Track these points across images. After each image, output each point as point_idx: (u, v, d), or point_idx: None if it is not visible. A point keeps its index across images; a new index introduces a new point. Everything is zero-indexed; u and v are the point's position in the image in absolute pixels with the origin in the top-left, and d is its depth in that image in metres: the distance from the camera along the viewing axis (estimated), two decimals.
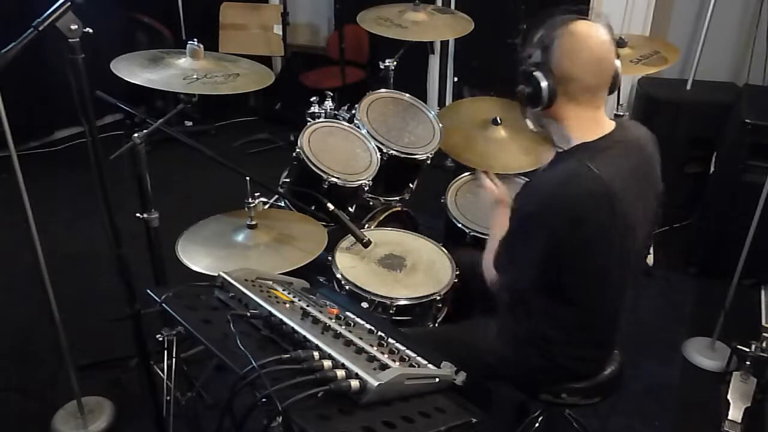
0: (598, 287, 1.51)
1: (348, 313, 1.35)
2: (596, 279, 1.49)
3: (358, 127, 2.42)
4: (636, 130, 1.57)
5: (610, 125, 1.50)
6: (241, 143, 4.36)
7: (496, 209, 1.85)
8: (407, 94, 2.63)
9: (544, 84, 1.42)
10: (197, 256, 1.82)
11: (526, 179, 2.46)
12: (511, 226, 1.54)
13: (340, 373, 1.00)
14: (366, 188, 2.29)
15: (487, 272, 1.67)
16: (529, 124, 1.58)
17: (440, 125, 2.54)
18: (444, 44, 4.23)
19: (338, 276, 1.95)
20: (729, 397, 2.26)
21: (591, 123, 1.48)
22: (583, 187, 1.38)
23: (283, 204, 2.32)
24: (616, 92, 2.74)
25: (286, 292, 1.40)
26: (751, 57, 3.34)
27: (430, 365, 1.19)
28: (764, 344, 2.27)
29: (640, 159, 1.52)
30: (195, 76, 1.83)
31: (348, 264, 2.02)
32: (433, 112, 2.60)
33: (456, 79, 4.32)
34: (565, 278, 1.48)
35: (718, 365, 2.50)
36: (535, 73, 1.43)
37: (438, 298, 1.93)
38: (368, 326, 1.31)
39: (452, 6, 4.01)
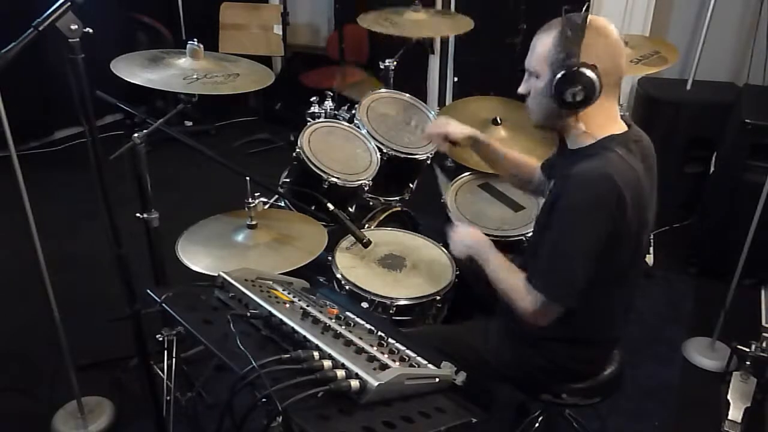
0: (618, 282, 1.52)
1: (348, 313, 1.35)
2: (620, 273, 1.50)
3: (358, 127, 2.42)
4: (645, 134, 1.58)
5: (624, 125, 1.52)
6: (241, 143, 4.36)
7: (481, 247, 1.70)
8: (407, 94, 2.63)
9: (596, 81, 1.39)
10: (197, 256, 1.83)
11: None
12: (560, 226, 1.45)
13: (340, 373, 1.00)
14: (366, 188, 2.29)
15: (522, 305, 1.52)
16: (557, 122, 1.52)
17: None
18: (444, 44, 4.23)
19: (338, 276, 1.95)
20: (729, 397, 2.25)
21: (613, 116, 1.50)
22: (626, 178, 1.40)
23: (283, 204, 2.32)
24: None
25: (286, 292, 1.40)
26: (751, 57, 3.34)
27: (430, 365, 1.19)
28: (764, 344, 2.27)
29: (650, 157, 1.54)
30: (195, 76, 1.83)
31: (348, 264, 2.02)
32: (433, 112, 2.60)
33: (456, 79, 4.32)
34: (598, 270, 1.45)
35: (718, 365, 2.50)
36: (583, 71, 1.39)
37: (438, 298, 1.93)
38: (368, 326, 1.31)
39: (452, 7, 4.02)
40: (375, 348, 1.15)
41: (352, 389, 0.98)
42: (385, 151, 2.37)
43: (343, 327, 1.23)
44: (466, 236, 1.74)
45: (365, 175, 2.28)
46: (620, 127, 1.50)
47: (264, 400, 0.95)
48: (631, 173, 1.42)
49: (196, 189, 3.73)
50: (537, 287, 1.48)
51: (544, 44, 1.45)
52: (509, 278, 1.57)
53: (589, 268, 1.43)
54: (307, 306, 1.32)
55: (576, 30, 1.41)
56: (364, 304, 1.89)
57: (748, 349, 2.29)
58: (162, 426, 1.95)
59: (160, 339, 1.94)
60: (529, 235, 2.18)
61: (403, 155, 2.39)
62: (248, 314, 1.20)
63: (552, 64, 1.43)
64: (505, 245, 2.21)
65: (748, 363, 2.31)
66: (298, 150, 2.23)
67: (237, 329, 1.11)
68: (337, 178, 2.21)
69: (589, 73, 1.39)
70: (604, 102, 1.45)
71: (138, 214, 1.86)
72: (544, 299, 1.47)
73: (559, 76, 1.41)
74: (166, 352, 1.94)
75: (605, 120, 1.49)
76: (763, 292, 2.59)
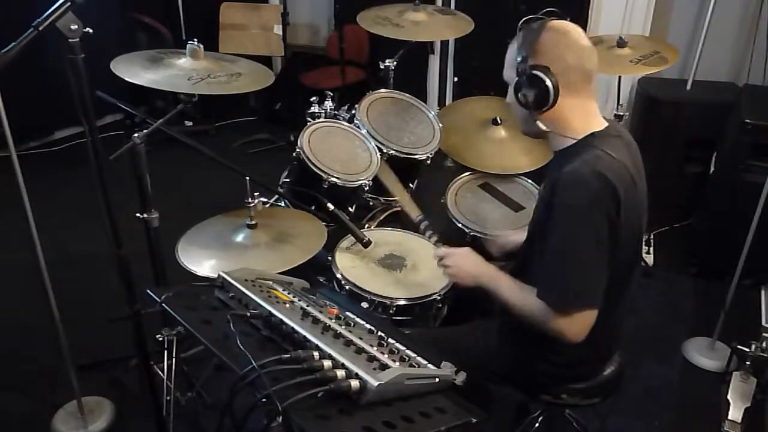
0: (615, 280, 1.50)
1: (348, 313, 1.35)
2: (617, 270, 1.47)
3: (358, 127, 2.42)
4: (626, 132, 1.58)
5: (604, 121, 1.53)
6: (241, 143, 4.36)
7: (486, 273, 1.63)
8: (407, 94, 2.63)
9: (548, 81, 1.41)
10: (197, 258, 1.83)
11: (528, 180, 2.46)
12: (559, 230, 1.41)
13: (340, 373, 1.00)
14: (366, 188, 2.29)
15: (548, 323, 1.44)
16: (532, 127, 1.51)
17: (440, 125, 2.54)
18: (444, 44, 4.23)
19: (338, 276, 1.95)
20: (729, 397, 2.25)
21: (591, 114, 1.51)
22: (616, 174, 1.39)
23: (283, 204, 2.33)
24: (615, 92, 2.78)
25: (286, 292, 1.40)
26: (751, 57, 3.34)
27: (430, 365, 1.19)
28: (764, 344, 2.27)
29: (635, 150, 1.54)
30: (198, 77, 1.83)
31: (348, 264, 2.02)
32: (433, 112, 2.60)
33: (456, 79, 4.32)
34: None
35: (718, 365, 2.50)
36: (535, 73, 1.42)
37: (438, 298, 1.93)
38: (368, 326, 1.31)
39: (452, 6, 4.02)
40: (375, 348, 1.15)
41: (352, 389, 0.98)
42: (385, 151, 2.37)
43: (343, 327, 1.23)
44: (465, 263, 1.65)
45: (365, 175, 2.29)
46: (600, 123, 1.51)
47: (264, 400, 0.95)
48: (622, 169, 1.41)
49: (196, 189, 3.73)
50: (552, 302, 1.42)
51: (510, 53, 1.50)
52: (526, 303, 1.48)
53: (601, 265, 1.40)
54: (307, 306, 1.32)
55: (530, 34, 1.45)
56: (364, 304, 1.89)
57: (748, 349, 2.29)
58: (162, 426, 1.95)
59: (160, 339, 1.94)
60: None
61: (403, 155, 2.39)
62: (248, 314, 1.20)
63: (515, 70, 1.46)
64: None
65: (748, 363, 2.31)
66: (298, 150, 2.23)
67: (237, 329, 1.11)
68: (337, 178, 2.21)
69: (539, 74, 1.42)
70: (576, 100, 1.46)
71: (138, 214, 1.86)
72: (565, 309, 1.41)
73: (514, 81, 1.46)
74: (166, 352, 1.94)
75: (583, 118, 1.49)
76: (763, 292, 2.58)
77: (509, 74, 1.50)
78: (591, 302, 1.41)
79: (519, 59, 1.45)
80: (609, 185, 1.37)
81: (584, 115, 1.50)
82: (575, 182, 1.40)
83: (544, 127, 1.49)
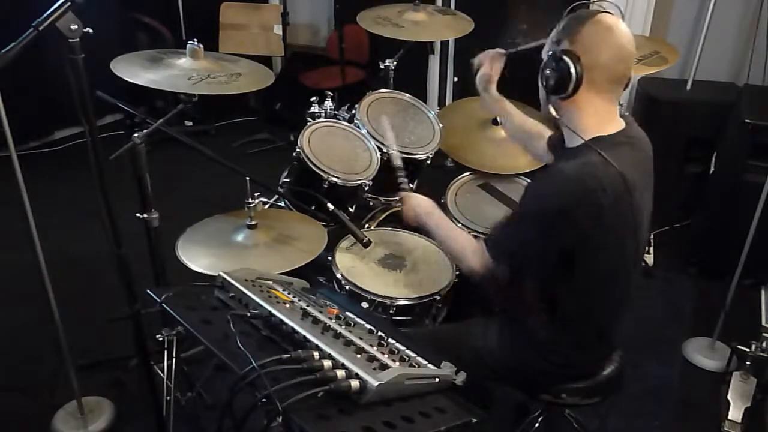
0: (608, 282, 1.51)
1: (348, 313, 1.35)
2: (608, 274, 1.49)
3: (358, 127, 2.42)
4: (639, 128, 1.58)
5: (621, 122, 1.52)
6: (241, 143, 4.36)
7: (429, 211, 1.82)
8: (407, 94, 2.63)
9: (572, 70, 1.41)
10: (197, 256, 1.83)
11: (528, 180, 2.46)
12: (525, 213, 1.50)
13: (340, 373, 1.00)
14: (366, 188, 2.29)
15: (472, 261, 1.59)
16: (546, 109, 1.56)
17: (440, 125, 2.54)
18: (444, 44, 4.23)
19: (338, 276, 1.95)
20: (729, 397, 2.25)
21: (607, 116, 1.50)
22: (606, 181, 1.39)
23: (283, 204, 2.32)
24: None
25: (286, 292, 1.40)
26: (751, 57, 3.33)
27: (430, 365, 1.19)
28: (764, 344, 2.27)
29: (645, 156, 1.54)
30: (198, 77, 1.83)
31: (348, 264, 2.02)
32: (433, 112, 2.60)
33: (456, 79, 4.32)
34: (579, 271, 1.47)
35: (718, 365, 2.50)
36: (564, 58, 1.42)
37: (438, 298, 1.93)
38: (368, 326, 1.31)
39: (452, 6, 4.02)
40: (375, 348, 1.15)
41: (352, 389, 0.98)
42: (385, 151, 2.37)
43: (343, 327, 1.23)
44: (416, 202, 1.84)
45: (365, 175, 2.28)
46: (615, 127, 1.49)
47: (264, 400, 0.95)
48: (613, 175, 1.40)
49: (196, 189, 3.73)
50: (495, 254, 1.54)
51: (553, 32, 1.50)
52: (458, 237, 1.68)
53: (542, 264, 1.48)
54: (307, 306, 1.32)
55: (575, 20, 1.44)
56: (364, 304, 1.89)
57: (748, 349, 2.29)
58: (162, 426, 1.95)
59: (160, 339, 1.94)
60: None
61: (403, 155, 2.39)
62: (248, 314, 1.20)
63: (549, 49, 1.48)
64: None
65: (748, 363, 2.31)
66: (298, 150, 2.23)
67: (237, 329, 1.11)
68: (337, 178, 2.20)
69: (567, 60, 1.41)
70: (596, 99, 1.46)
71: (138, 214, 1.86)
72: (487, 256, 1.54)
73: (545, 58, 1.47)
74: (166, 352, 1.94)
75: (598, 120, 1.48)
76: (763, 292, 2.58)
77: (545, 51, 1.50)
78: (499, 261, 1.53)
79: (555, 40, 1.46)
80: (589, 192, 1.38)
81: (600, 116, 1.48)
82: (550, 184, 1.45)
83: (553, 112, 1.52)
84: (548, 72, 1.46)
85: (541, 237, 1.45)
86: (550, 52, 1.46)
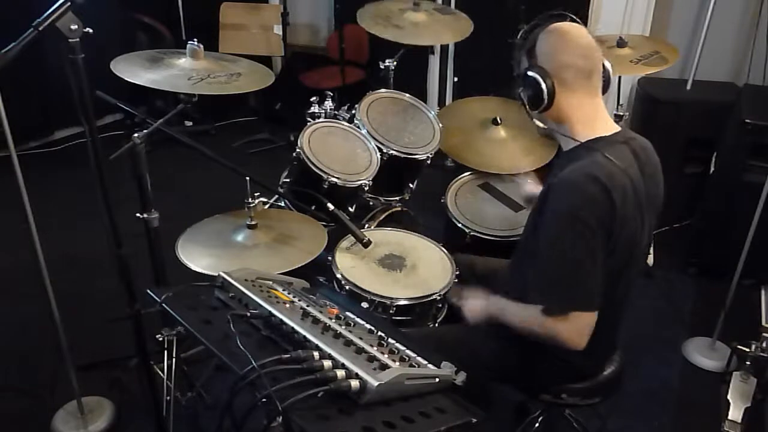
0: (612, 281, 1.51)
1: (348, 313, 1.35)
2: (613, 274, 1.49)
3: (358, 127, 2.42)
4: (640, 137, 1.58)
5: (615, 126, 1.53)
6: (241, 143, 4.36)
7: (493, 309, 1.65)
8: (407, 94, 2.63)
9: (541, 81, 1.45)
10: (197, 256, 1.83)
11: (528, 180, 2.46)
12: (550, 230, 1.42)
13: (340, 373, 1.00)
14: (366, 188, 2.29)
15: (550, 331, 1.45)
16: (539, 124, 1.58)
17: (440, 125, 2.54)
18: (444, 45, 4.23)
19: (338, 276, 1.95)
20: (729, 397, 2.25)
21: (594, 114, 1.51)
22: (613, 177, 1.40)
23: (283, 204, 2.32)
24: (616, 92, 2.78)
25: (286, 292, 1.40)
26: (751, 57, 3.34)
27: (430, 365, 1.19)
28: (764, 344, 2.27)
29: (648, 161, 1.54)
30: (198, 77, 1.83)
31: (348, 264, 2.02)
32: (433, 112, 2.60)
33: (456, 79, 4.32)
34: None
35: (718, 365, 2.50)
36: (529, 74, 1.47)
37: (438, 298, 1.93)
38: (368, 326, 1.31)
39: (452, 5, 4.02)
40: (375, 348, 1.15)
41: (352, 389, 0.98)
42: (385, 151, 2.37)
43: (343, 327, 1.23)
44: (477, 308, 1.68)
45: (365, 175, 2.28)
46: (608, 128, 1.51)
47: (264, 400, 0.95)
48: (619, 174, 1.41)
49: (196, 189, 3.73)
50: (546, 306, 1.43)
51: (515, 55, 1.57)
52: (529, 316, 1.49)
53: (593, 268, 1.40)
54: (307, 306, 1.32)
55: (530, 37, 1.51)
56: (364, 304, 1.88)
57: (748, 349, 2.29)
58: (162, 426, 1.95)
59: (160, 339, 1.94)
60: None
61: (403, 155, 2.39)
62: (248, 314, 1.20)
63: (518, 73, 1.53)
64: (505, 245, 2.21)
65: (748, 363, 2.31)
66: (298, 150, 2.23)
67: (237, 329, 1.11)
68: (337, 178, 2.21)
69: (534, 75, 1.46)
70: (575, 98, 1.48)
71: (138, 214, 1.86)
72: (560, 313, 1.41)
73: (515, 81, 1.51)
74: (166, 352, 1.93)
75: (587, 120, 1.50)
76: (763, 292, 2.58)
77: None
78: (586, 305, 1.42)
79: (518, 61, 1.52)
80: (604, 190, 1.38)
81: (588, 116, 1.50)
82: (567, 188, 1.42)
83: (541, 124, 1.56)
84: (521, 91, 1.51)
85: (581, 243, 1.38)
86: (518, 73, 1.51)
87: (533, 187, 2.05)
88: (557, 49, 1.47)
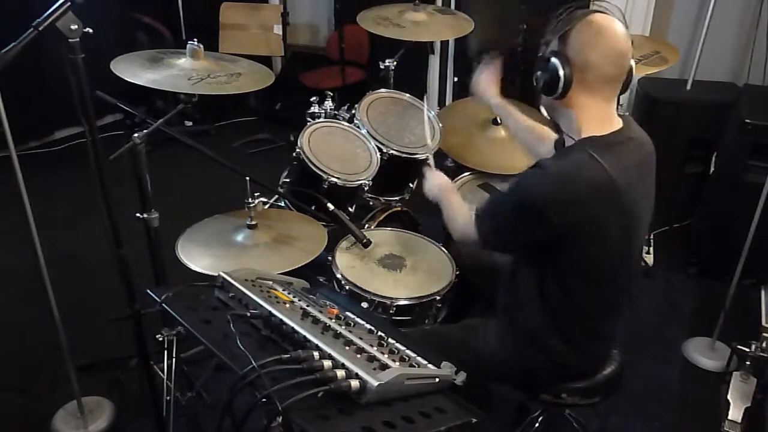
0: (599, 280, 1.51)
1: (348, 313, 1.35)
2: (596, 272, 1.49)
3: (358, 127, 2.42)
4: (639, 129, 1.57)
5: (618, 122, 1.51)
6: (241, 143, 4.36)
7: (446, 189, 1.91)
8: (407, 94, 2.63)
9: (561, 71, 1.42)
10: (197, 256, 1.83)
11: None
12: (510, 194, 1.52)
13: (340, 373, 1.00)
14: (366, 188, 2.29)
15: (462, 232, 1.70)
16: (542, 110, 1.59)
17: (440, 125, 2.54)
18: (444, 44, 4.23)
19: (338, 276, 1.95)
20: (729, 397, 2.26)
21: (602, 116, 1.49)
22: (591, 181, 1.39)
23: (283, 204, 2.32)
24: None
25: (286, 292, 1.40)
26: (751, 57, 3.34)
27: (430, 365, 1.19)
28: (764, 344, 2.27)
29: (645, 157, 1.53)
30: (198, 77, 1.83)
31: (348, 264, 2.02)
32: (433, 112, 2.60)
33: (456, 79, 4.32)
34: (566, 264, 1.48)
35: (718, 365, 2.50)
36: (552, 60, 1.43)
37: (438, 298, 1.93)
38: (368, 326, 1.31)
39: (452, 6, 4.02)
40: (375, 348, 1.15)
41: (352, 389, 0.98)
42: (385, 151, 2.37)
43: (343, 327, 1.23)
44: (438, 179, 1.94)
45: (365, 175, 2.28)
46: (611, 127, 1.48)
47: (264, 400, 0.95)
48: (598, 174, 1.39)
49: (196, 189, 3.73)
50: (480, 220, 1.60)
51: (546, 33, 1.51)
52: (460, 209, 1.78)
53: (509, 242, 1.58)
54: (307, 306, 1.32)
55: (566, 21, 1.44)
56: (364, 304, 1.89)
57: (748, 349, 2.29)
58: (162, 426, 1.95)
59: (160, 339, 1.94)
60: None
61: (403, 155, 2.39)
62: (248, 314, 1.20)
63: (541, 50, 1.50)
64: None
65: (748, 363, 2.31)
66: (298, 150, 2.23)
67: (237, 329, 1.11)
68: (337, 178, 2.21)
69: (555, 61, 1.43)
70: (590, 101, 1.46)
71: (138, 214, 1.86)
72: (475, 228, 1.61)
73: (537, 60, 1.48)
74: (166, 352, 1.94)
75: (591, 120, 1.48)
76: (763, 292, 2.58)
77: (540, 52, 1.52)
78: (491, 243, 1.61)
79: (546, 41, 1.47)
80: (565, 190, 1.38)
81: (595, 116, 1.48)
82: (537, 177, 1.44)
83: (544, 112, 1.56)
84: (539, 73, 1.47)
85: (516, 222, 1.49)
86: (540, 54, 1.48)
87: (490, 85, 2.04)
88: (590, 46, 1.42)
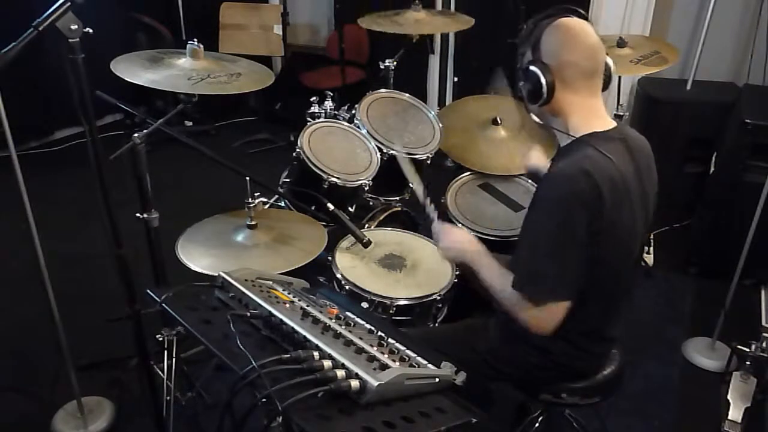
0: (601, 280, 1.50)
1: (348, 313, 1.35)
2: (600, 271, 1.48)
3: (358, 127, 2.42)
4: (634, 131, 1.58)
5: (612, 122, 1.53)
6: (241, 143, 4.36)
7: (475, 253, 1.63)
8: (407, 94, 2.63)
9: (542, 78, 1.45)
10: (197, 256, 1.83)
11: (528, 180, 2.46)
12: (537, 213, 1.46)
13: (340, 373, 1.00)
14: (366, 188, 2.29)
15: (518, 312, 1.46)
16: (535, 119, 1.60)
17: (440, 125, 2.54)
18: (444, 44, 4.23)
19: (338, 276, 1.95)
20: (729, 397, 2.26)
21: (593, 112, 1.51)
22: (603, 170, 1.39)
23: (283, 204, 2.32)
24: (616, 92, 2.78)
25: (286, 292, 1.40)
26: (751, 57, 3.34)
27: (430, 365, 1.18)
28: (764, 344, 2.27)
29: (643, 158, 1.54)
30: (198, 77, 1.83)
31: (348, 264, 2.02)
32: (433, 112, 2.60)
33: (456, 79, 4.32)
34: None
35: (718, 365, 2.50)
36: (531, 68, 1.47)
37: (438, 298, 1.93)
38: (368, 326, 1.31)
39: (452, 6, 4.02)
40: (375, 348, 1.15)
41: (352, 389, 0.98)
42: (385, 151, 2.37)
43: (343, 327, 1.23)
44: (459, 239, 1.68)
45: (365, 175, 2.29)
46: (605, 124, 1.51)
47: (264, 400, 0.95)
48: (612, 170, 1.41)
49: (196, 189, 3.73)
50: (522, 291, 1.43)
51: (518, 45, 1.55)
52: (504, 288, 1.48)
53: (573, 258, 1.39)
54: (307, 306, 1.32)
55: (536, 30, 1.49)
56: (364, 304, 1.89)
57: (748, 349, 2.30)
58: (162, 426, 1.95)
59: (160, 339, 1.94)
60: None
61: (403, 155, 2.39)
62: (248, 314, 1.20)
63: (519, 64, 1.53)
64: (505, 245, 2.21)
65: (748, 363, 2.31)
66: (298, 150, 2.23)
67: (237, 329, 1.11)
68: (337, 178, 2.21)
69: (534, 69, 1.46)
70: (575, 98, 1.48)
71: (138, 214, 1.86)
72: (534, 299, 1.42)
73: (517, 73, 1.51)
74: (166, 352, 1.94)
75: (584, 117, 1.50)
76: (763, 292, 2.59)
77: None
78: (559, 296, 1.42)
79: (521, 52, 1.51)
80: (594, 184, 1.37)
81: (585, 113, 1.50)
82: (557, 180, 1.44)
83: (536, 119, 1.57)
84: (521, 83, 1.51)
85: (562, 233, 1.38)
86: (519, 65, 1.51)
87: (537, 159, 1.98)
88: (562, 47, 1.46)
